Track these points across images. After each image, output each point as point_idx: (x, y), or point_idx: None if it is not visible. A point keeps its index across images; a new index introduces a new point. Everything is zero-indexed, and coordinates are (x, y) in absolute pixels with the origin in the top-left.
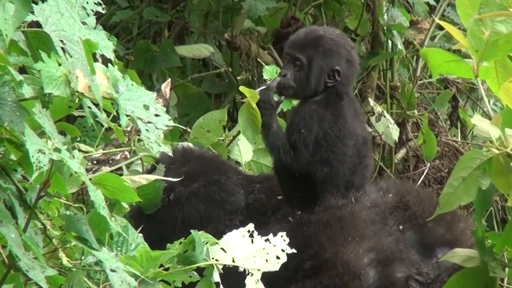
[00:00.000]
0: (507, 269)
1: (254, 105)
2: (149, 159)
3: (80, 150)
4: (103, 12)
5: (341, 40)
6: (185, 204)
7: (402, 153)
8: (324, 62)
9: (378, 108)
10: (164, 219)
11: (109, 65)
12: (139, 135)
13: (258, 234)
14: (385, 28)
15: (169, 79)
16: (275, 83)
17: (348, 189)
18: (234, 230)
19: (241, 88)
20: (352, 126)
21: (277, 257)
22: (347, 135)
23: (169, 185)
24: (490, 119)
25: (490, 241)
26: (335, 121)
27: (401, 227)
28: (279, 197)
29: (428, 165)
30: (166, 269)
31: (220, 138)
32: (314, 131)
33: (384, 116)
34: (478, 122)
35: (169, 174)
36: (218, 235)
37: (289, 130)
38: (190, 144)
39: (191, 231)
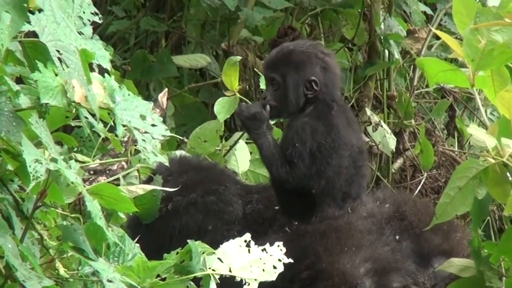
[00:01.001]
0: (504, 278)
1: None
2: (146, 170)
3: (77, 161)
4: (100, 22)
5: (311, 50)
6: (183, 214)
7: (399, 163)
8: (298, 75)
9: (375, 118)
10: (161, 229)
11: (106, 75)
12: (135, 146)
13: (256, 244)
14: (382, 37)
15: (166, 89)
16: (258, 105)
17: (345, 200)
18: (231, 240)
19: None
20: (346, 136)
21: (274, 267)
22: (342, 145)
23: (167, 195)
24: (486, 128)
25: (486, 251)
26: (328, 132)
27: (397, 237)
28: (277, 207)
29: (425, 174)
30: (163, 279)
31: (217, 148)
32: (308, 143)
33: (381, 126)
34: (474, 132)
35: (167, 185)
36: (215, 245)
37: (283, 145)
38: (187, 154)
39: (188, 241)
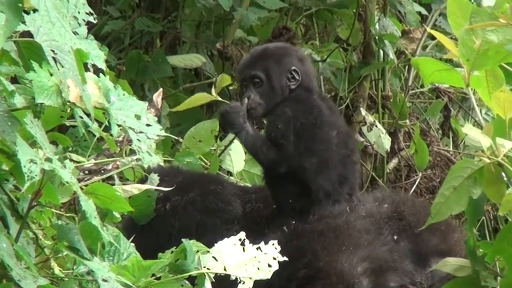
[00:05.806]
0: (499, 278)
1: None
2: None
3: (71, 160)
4: (95, 22)
5: (284, 45)
6: (181, 214)
7: (394, 162)
8: (279, 67)
9: (370, 118)
10: (160, 229)
11: (101, 74)
12: (130, 145)
13: (256, 243)
14: (377, 38)
15: (161, 89)
16: (244, 106)
17: (342, 184)
18: (225, 239)
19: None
20: (329, 116)
21: (269, 265)
22: (324, 122)
23: (165, 194)
24: (481, 128)
25: (481, 250)
26: (309, 111)
27: (395, 237)
28: (275, 206)
29: (420, 174)
30: (158, 278)
31: (212, 148)
32: (291, 123)
33: (376, 126)
34: (469, 132)
35: (164, 185)
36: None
37: (268, 130)
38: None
39: (183, 240)
